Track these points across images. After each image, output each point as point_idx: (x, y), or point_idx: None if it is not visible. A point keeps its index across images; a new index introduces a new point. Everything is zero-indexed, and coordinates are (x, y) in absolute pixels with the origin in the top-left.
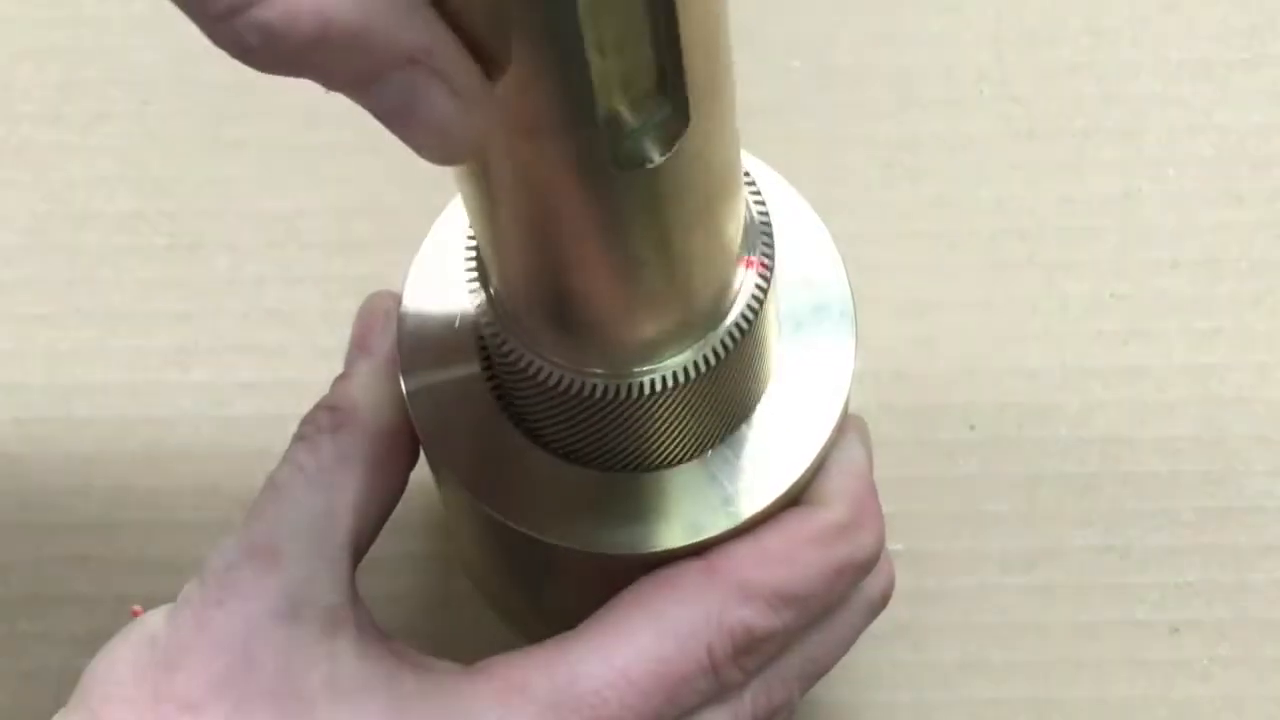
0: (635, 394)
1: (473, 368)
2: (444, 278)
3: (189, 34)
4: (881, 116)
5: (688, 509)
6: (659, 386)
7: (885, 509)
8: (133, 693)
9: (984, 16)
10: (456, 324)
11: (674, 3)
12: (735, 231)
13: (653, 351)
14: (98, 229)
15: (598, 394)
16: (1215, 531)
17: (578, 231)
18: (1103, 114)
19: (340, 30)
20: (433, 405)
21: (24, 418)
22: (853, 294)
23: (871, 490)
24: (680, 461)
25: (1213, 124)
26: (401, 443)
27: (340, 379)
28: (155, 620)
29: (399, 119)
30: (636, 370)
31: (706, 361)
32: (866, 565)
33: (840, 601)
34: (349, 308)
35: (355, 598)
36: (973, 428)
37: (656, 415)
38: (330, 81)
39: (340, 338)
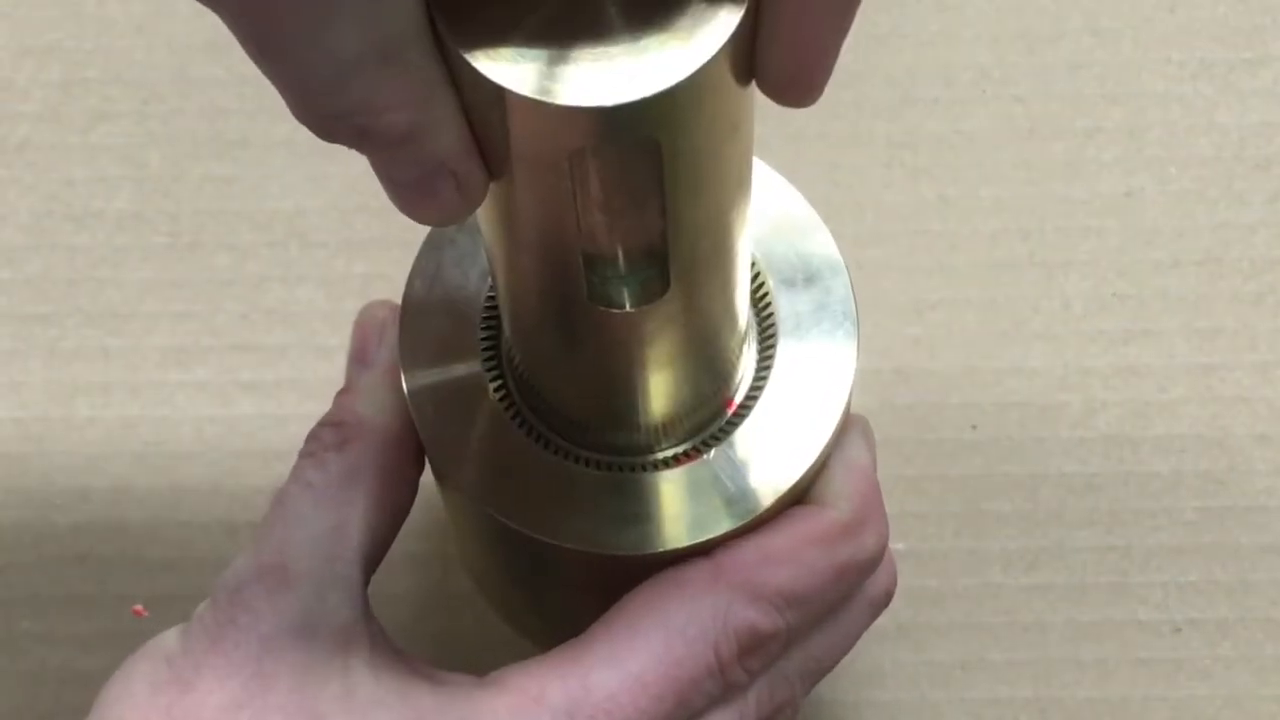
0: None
1: (474, 368)
2: (445, 279)
3: (189, 34)
4: (882, 116)
5: (691, 509)
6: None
7: (887, 509)
8: (147, 713)
9: (984, 16)
10: (458, 326)
11: (668, 195)
12: (741, 326)
13: (660, 440)
14: (98, 228)
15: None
16: (1217, 531)
17: (557, 340)
18: (1103, 114)
19: (416, 140)
20: (435, 407)
21: (24, 418)
22: (854, 294)
23: (876, 490)
24: (676, 464)
25: (1214, 124)
26: (407, 452)
27: (342, 393)
28: (169, 640)
29: (405, 195)
30: (643, 459)
31: (710, 445)
32: (870, 565)
33: (844, 601)
34: (350, 307)
35: (368, 613)
36: (974, 427)
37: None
38: (369, 157)
39: (341, 337)
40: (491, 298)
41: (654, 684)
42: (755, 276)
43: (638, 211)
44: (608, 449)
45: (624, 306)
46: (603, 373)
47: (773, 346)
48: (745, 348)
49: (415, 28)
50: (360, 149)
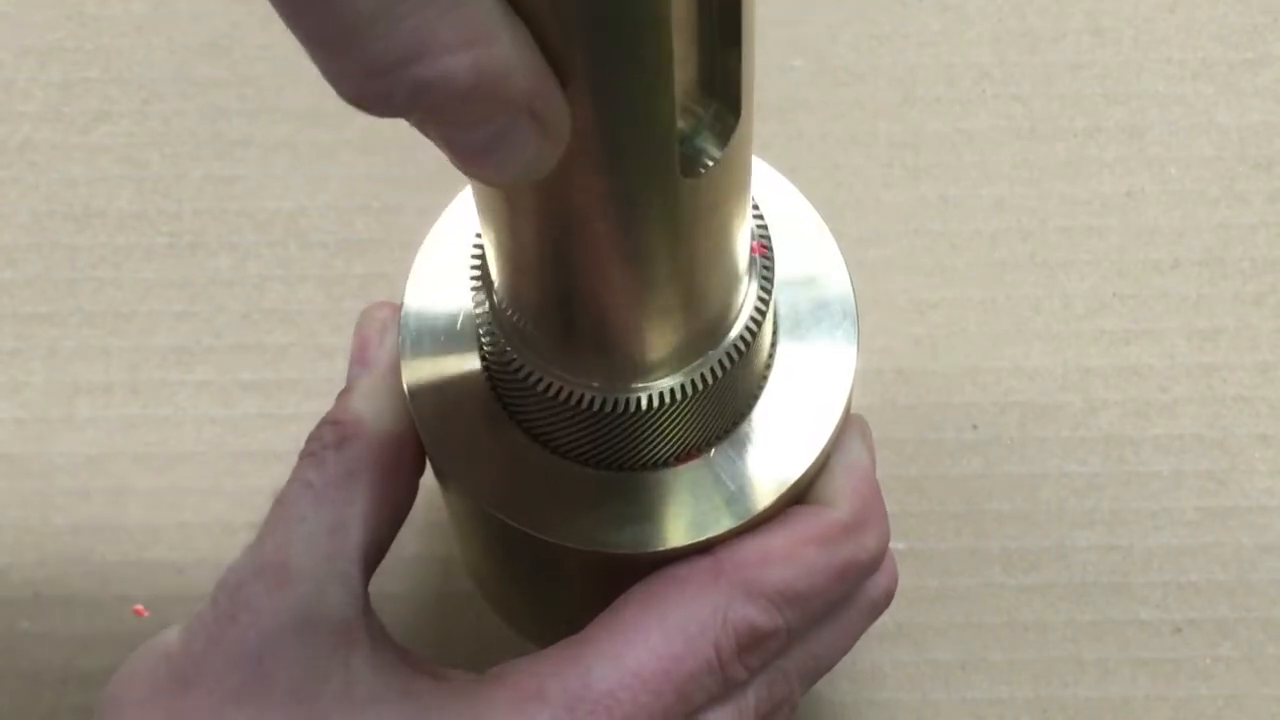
0: (632, 408)
1: (475, 368)
2: (445, 278)
3: (189, 34)
4: (883, 116)
5: (691, 508)
6: (655, 403)
7: (887, 508)
8: (148, 711)
9: (985, 16)
10: (458, 325)
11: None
12: (744, 246)
13: (652, 368)
14: (99, 228)
15: (594, 406)
16: (1217, 531)
17: (603, 252)
18: (1104, 114)
19: (486, 88)
20: (435, 407)
21: (24, 418)
22: (854, 293)
23: (876, 490)
24: (677, 463)
25: (1214, 124)
26: (407, 452)
27: (343, 393)
28: (169, 638)
29: (479, 158)
30: (635, 386)
31: (704, 380)
32: (871, 565)
33: (844, 600)
34: (350, 307)
35: (368, 610)
36: (975, 427)
37: (652, 427)
38: (431, 125)
39: (342, 337)
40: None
41: (653, 680)
42: (760, 217)
43: (704, 48)
44: (598, 374)
45: (714, 157)
46: (645, 276)
47: (772, 344)
48: (744, 283)
49: None
50: (422, 114)
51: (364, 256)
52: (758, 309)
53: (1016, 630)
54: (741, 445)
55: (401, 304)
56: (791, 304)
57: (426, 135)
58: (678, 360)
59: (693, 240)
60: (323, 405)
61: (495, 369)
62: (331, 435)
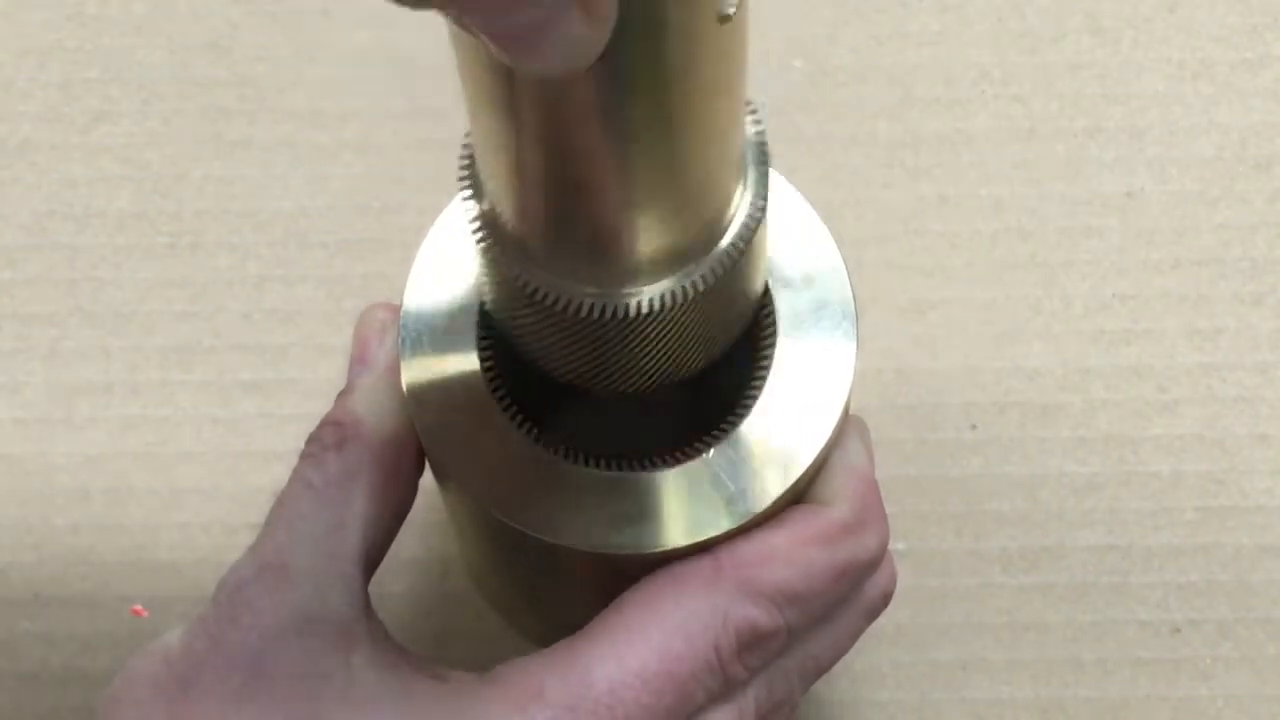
0: (625, 314)
1: (475, 368)
2: (445, 279)
3: (189, 34)
4: (882, 116)
5: (690, 508)
6: (649, 308)
7: (887, 509)
8: (149, 712)
9: (984, 16)
10: (458, 325)
11: None
12: (737, 142)
13: (646, 271)
14: (98, 229)
15: (587, 311)
16: (1217, 531)
17: (594, 136)
18: (1104, 114)
19: None
20: (435, 407)
21: (24, 418)
22: (854, 293)
23: (875, 491)
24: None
25: (1214, 124)
26: (407, 452)
27: (342, 394)
28: (170, 639)
29: (522, 45)
30: (628, 290)
31: (701, 283)
32: (871, 565)
33: (843, 601)
34: (350, 307)
35: (369, 610)
36: (974, 427)
37: (647, 336)
38: (467, 14)
39: (342, 337)
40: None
41: (654, 679)
42: (758, 122)
43: None
44: (591, 278)
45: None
46: (635, 164)
47: (772, 344)
48: (740, 185)
49: None
50: (460, 4)
51: (364, 256)
52: (753, 212)
53: (1016, 630)
54: (741, 445)
55: (401, 304)
56: (791, 304)
57: (463, 28)
58: (672, 263)
59: (685, 122)
60: (322, 405)
61: (492, 291)
62: (331, 436)
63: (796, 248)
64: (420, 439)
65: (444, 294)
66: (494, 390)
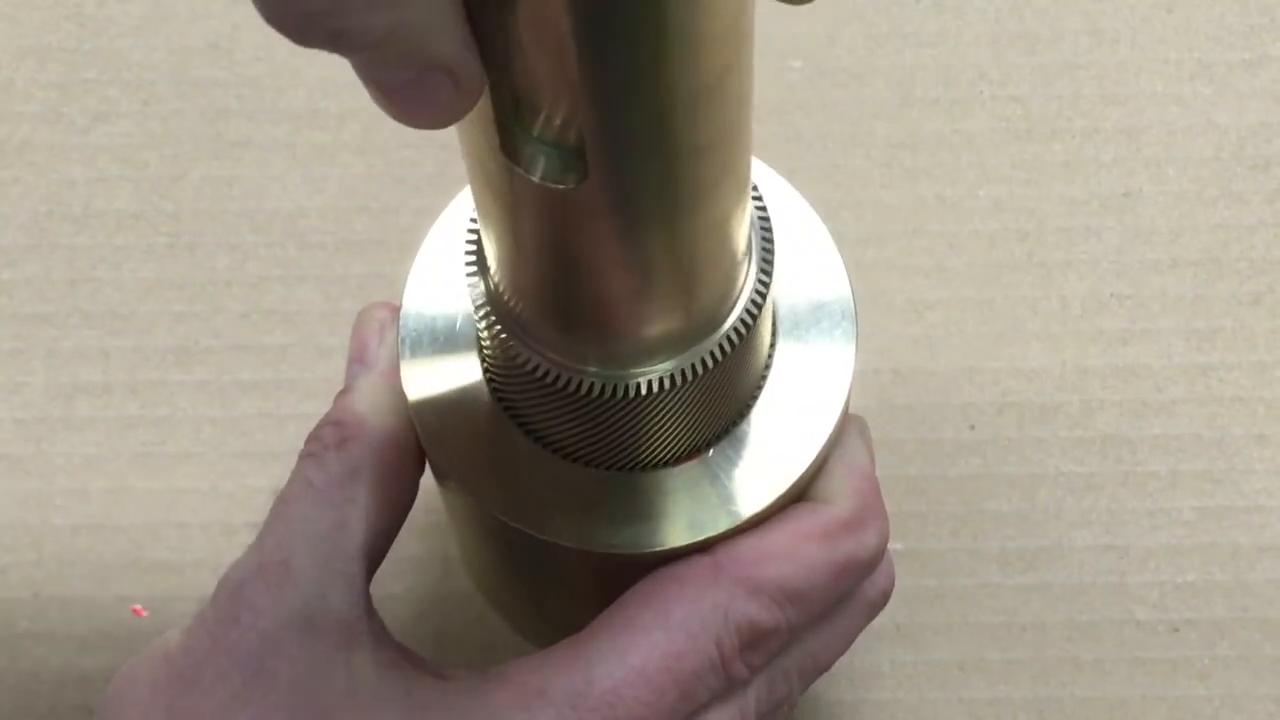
0: (629, 394)
1: (474, 368)
2: (445, 279)
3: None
4: (881, 117)
5: (689, 507)
6: (654, 388)
7: (887, 508)
8: (149, 712)
9: (984, 16)
10: (457, 326)
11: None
12: (743, 230)
13: (650, 353)
14: (98, 229)
15: (592, 392)
16: (1214, 531)
17: (599, 235)
18: (1102, 114)
19: (399, 45)
20: (434, 407)
21: (24, 418)
22: (853, 293)
23: (875, 489)
24: (675, 461)
25: (1212, 124)
26: (407, 451)
27: (342, 394)
28: (170, 639)
29: (393, 100)
30: (633, 371)
31: (704, 365)
32: (870, 563)
33: (842, 600)
34: (349, 307)
35: (370, 609)
36: (973, 427)
37: (650, 415)
38: (349, 60)
39: (341, 337)
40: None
41: (656, 677)
42: (759, 199)
43: (552, 57)
44: (595, 359)
45: (534, 178)
46: (626, 261)
47: (771, 344)
48: (743, 269)
49: None
50: (337, 53)
51: (363, 257)
52: (756, 295)
53: (1014, 630)
54: (740, 445)
55: (400, 304)
56: (790, 304)
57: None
58: (675, 346)
59: (691, 221)
60: (322, 405)
61: (493, 361)
62: (332, 435)
63: (795, 248)
64: (420, 439)
65: (444, 294)
66: (493, 389)
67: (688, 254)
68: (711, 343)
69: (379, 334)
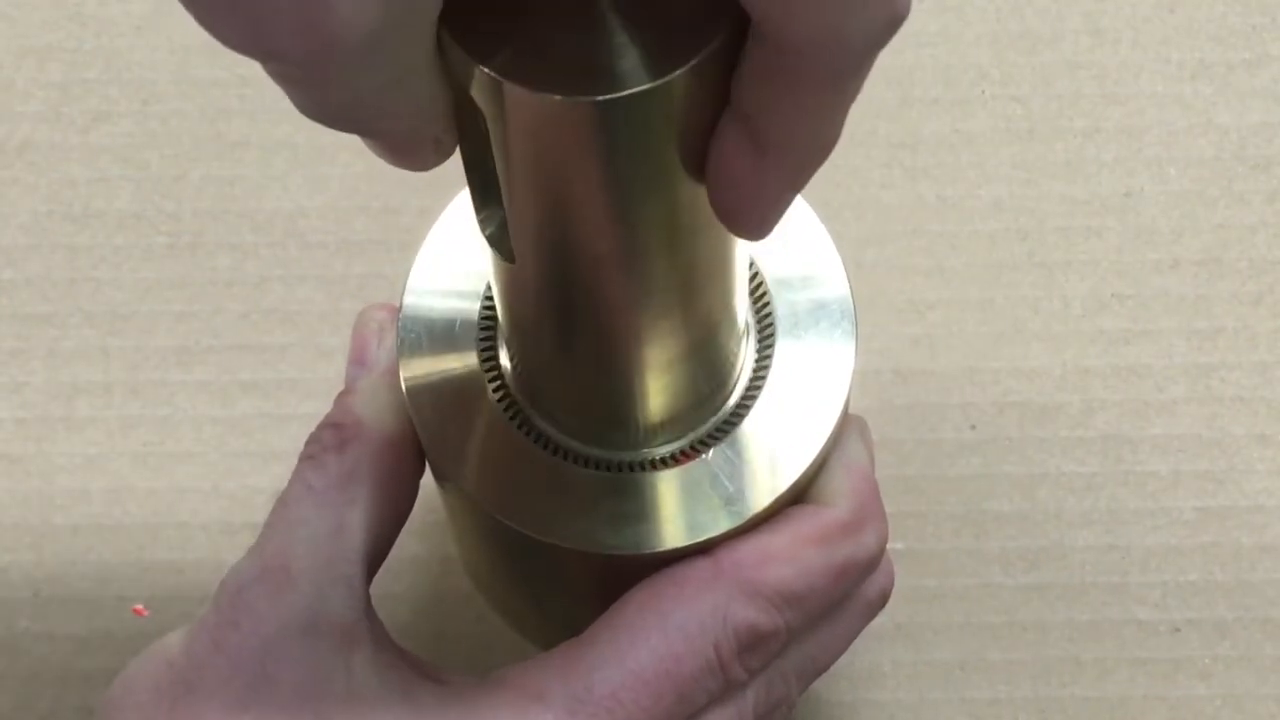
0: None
1: (473, 369)
2: (444, 280)
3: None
4: (881, 117)
5: (689, 509)
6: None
7: (887, 508)
8: (150, 715)
9: (984, 16)
10: (457, 326)
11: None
12: (740, 315)
13: (658, 435)
14: (98, 229)
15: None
16: (1216, 531)
17: (603, 318)
18: (1103, 114)
19: (412, 133)
20: (434, 408)
21: (24, 418)
22: (853, 294)
23: (875, 490)
24: (674, 463)
25: (1213, 124)
26: (407, 453)
27: (341, 395)
28: (172, 642)
29: (390, 156)
30: (643, 453)
31: (709, 444)
32: (870, 565)
33: (842, 601)
34: (349, 307)
35: (370, 613)
36: (973, 427)
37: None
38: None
39: (341, 337)
40: (490, 298)
41: (654, 681)
42: (754, 277)
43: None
44: (604, 443)
45: (506, 257)
46: (580, 358)
47: (771, 346)
48: (742, 346)
49: (428, 56)
50: (361, 137)
51: (363, 257)
52: (757, 370)
53: (1015, 630)
54: (740, 445)
55: (398, 305)
56: (790, 304)
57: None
58: (683, 427)
59: (693, 333)
60: (322, 405)
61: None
62: (331, 438)
63: (795, 247)
64: (420, 440)
65: (443, 294)
66: (494, 390)
67: (691, 357)
68: (716, 421)
69: (378, 335)
